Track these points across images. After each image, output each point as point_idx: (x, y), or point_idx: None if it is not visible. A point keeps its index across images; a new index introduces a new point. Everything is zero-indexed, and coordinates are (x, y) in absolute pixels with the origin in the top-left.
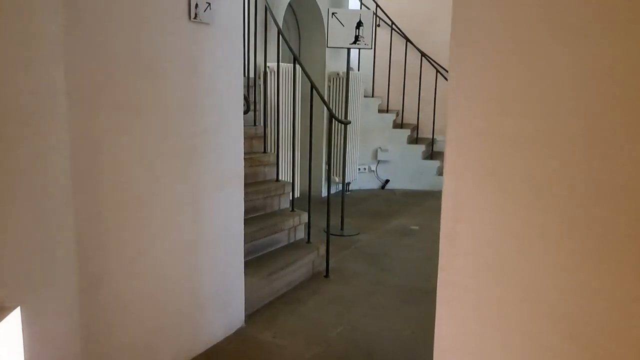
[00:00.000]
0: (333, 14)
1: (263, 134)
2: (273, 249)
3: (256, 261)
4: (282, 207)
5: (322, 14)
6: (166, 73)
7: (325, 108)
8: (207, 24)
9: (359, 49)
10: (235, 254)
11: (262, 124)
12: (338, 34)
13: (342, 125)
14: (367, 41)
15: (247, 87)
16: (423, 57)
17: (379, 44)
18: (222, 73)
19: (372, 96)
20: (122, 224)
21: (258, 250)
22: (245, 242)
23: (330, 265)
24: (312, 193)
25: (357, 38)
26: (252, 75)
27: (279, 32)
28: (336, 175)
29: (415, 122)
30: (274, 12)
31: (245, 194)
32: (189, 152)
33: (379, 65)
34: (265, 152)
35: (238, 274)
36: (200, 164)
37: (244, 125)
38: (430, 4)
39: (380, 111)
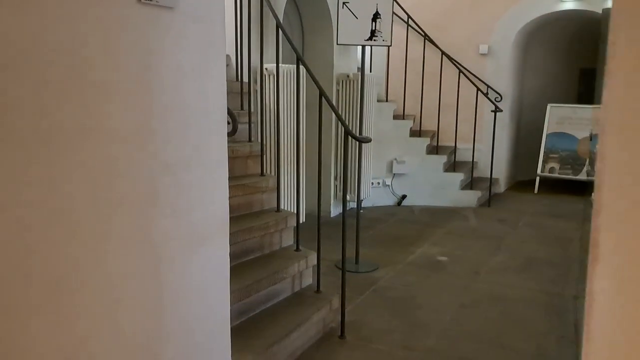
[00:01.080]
0: (344, 3)
1: (260, 152)
2: (272, 304)
3: (250, 325)
4: (284, 245)
5: (329, 5)
6: (105, 84)
7: (332, 115)
8: (169, 7)
9: (376, 46)
10: (218, 340)
11: (258, 139)
12: (350, 28)
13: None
14: (385, 37)
15: (241, 93)
16: (443, 56)
17: (393, 41)
18: (192, 80)
19: (386, 100)
20: (27, 324)
21: (253, 308)
22: (233, 302)
23: (345, 318)
24: (320, 214)
25: (373, 33)
26: (245, 79)
27: (279, 25)
28: (348, 193)
29: (435, 129)
30: (272, 4)
31: (237, 232)
32: (145, 201)
33: (392, 65)
34: (262, 174)
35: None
36: (163, 217)
37: (236, 142)
38: None
39: (395, 117)
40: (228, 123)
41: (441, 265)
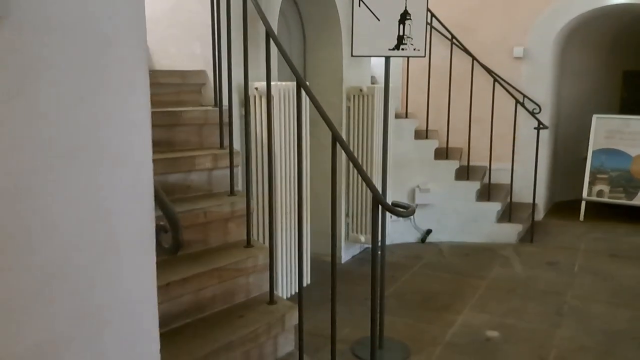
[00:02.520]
0: (361, 0)
1: (246, 211)
2: None
3: None
4: (280, 356)
5: (338, 3)
6: None
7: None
8: None
9: (406, 57)
10: None
11: (245, 187)
12: (370, 33)
13: (366, 158)
14: (417, 44)
15: (220, 124)
16: (474, 62)
17: None
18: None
19: (406, 116)
20: None
21: None
22: None
23: None
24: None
25: (401, 39)
26: (227, 102)
27: (269, 33)
28: (361, 234)
29: (462, 147)
30: (265, 3)
31: (209, 355)
32: None
33: (411, 73)
34: (249, 244)
35: None
36: None
37: (213, 195)
38: None
39: (417, 136)
40: (165, 231)
41: (492, 345)
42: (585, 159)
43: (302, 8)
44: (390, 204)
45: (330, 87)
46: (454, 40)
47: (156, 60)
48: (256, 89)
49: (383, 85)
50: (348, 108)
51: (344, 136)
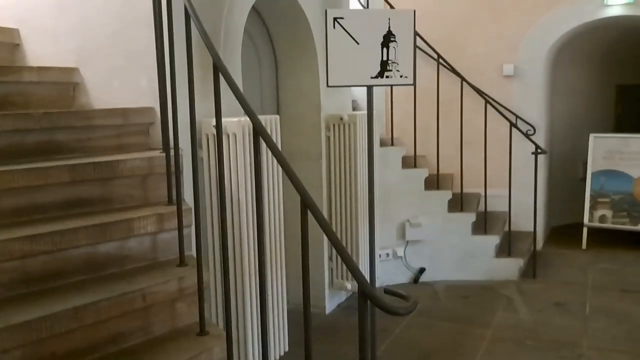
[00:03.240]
0: (336, 19)
1: (198, 287)
2: None
3: None
4: None
5: (311, 22)
6: None
7: (323, 168)
8: None
9: (391, 85)
10: None
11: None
12: (348, 59)
13: (347, 196)
14: (404, 70)
15: (167, 174)
16: (464, 83)
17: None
18: None
19: (392, 144)
20: None
21: None
22: None
23: None
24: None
25: (385, 65)
26: (183, 144)
27: (217, 66)
28: (347, 280)
29: (453, 172)
30: (230, 20)
31: None
32: None
33: (396, 96)
34: (203, 332)
35: None
36: None
37: (166, 260)
38: (462, 4)
39: (405, 165)
40: None
41: None
42: (583, 180)
43: (271, 28)
44: (383, 289)
45: (308, 115)
46: (441, 59)
47: (96, 97)
48: (214, 127)
49: (366, 111)
50: (328, 138)
51: (323, 169)
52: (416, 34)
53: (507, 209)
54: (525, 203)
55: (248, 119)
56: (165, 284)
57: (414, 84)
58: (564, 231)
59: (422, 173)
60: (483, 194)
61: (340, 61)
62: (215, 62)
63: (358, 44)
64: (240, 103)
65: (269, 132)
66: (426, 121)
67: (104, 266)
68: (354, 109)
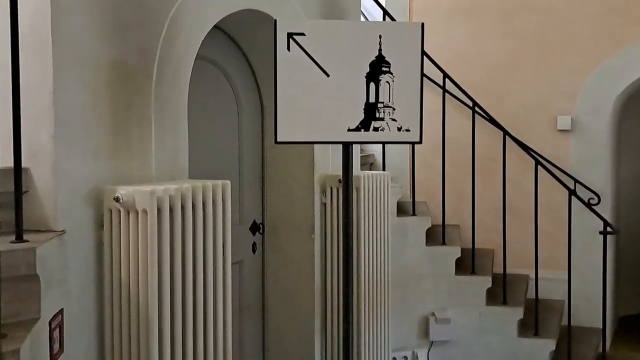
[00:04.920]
0: (292, 36)
1: None
2: None
3: None
4: None
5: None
6: None
7: (315, 247)
8: None
9: (383, 143)
10: None
11: None
12: (308, 100)
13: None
14: (406, 118)
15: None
16: (507, 137)
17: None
18: None
19: (413, 213)
20: None
21: None
22: None
23: None
24: None
25: (372, 111)
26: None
27: None
28: None
29: (498, 252)
30: (170, 45)
31: None
32: None
33: (420, 150)
34: None
35: None
36: None
37: None
38: (504, 43)
39: (431, 241)
40: None
41: None
42: None
43: (253, 61)
44: None
45: (298, 175)
46: (477, 108)
47: None
48: (117, 199)
49: (382, 171)
50: (323, 205)
51: (316, 246)
52: (445, 75)
53: (561, 297)
54: (585, 290)
55: (172, 186)
56: None
57: (443, 135)
58: (635, 324)
59: (452, 252)
60: (532, 276)
61: (297, 103)
62: None
63: (328, 75)
64: None
65: (211, 202)
66: (459, 183)
67: None
68: (371, 165)
